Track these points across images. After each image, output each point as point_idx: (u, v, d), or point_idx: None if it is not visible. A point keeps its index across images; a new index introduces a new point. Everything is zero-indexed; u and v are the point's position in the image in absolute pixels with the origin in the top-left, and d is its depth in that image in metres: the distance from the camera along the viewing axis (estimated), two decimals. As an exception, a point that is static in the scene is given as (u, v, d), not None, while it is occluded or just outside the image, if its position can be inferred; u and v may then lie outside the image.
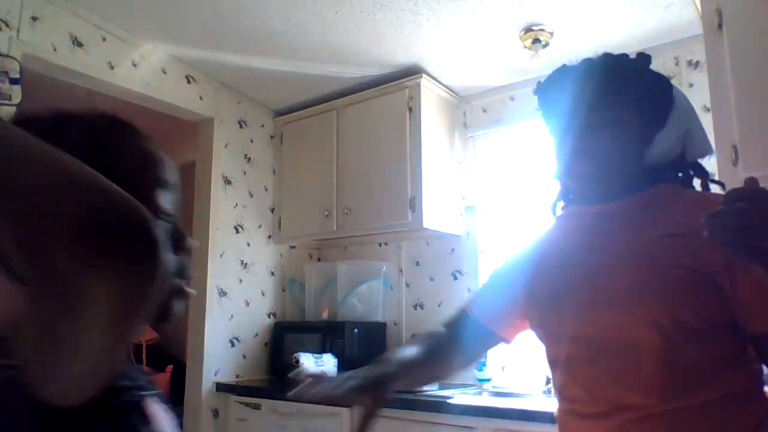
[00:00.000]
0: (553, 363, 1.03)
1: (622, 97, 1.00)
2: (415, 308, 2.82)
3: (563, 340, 0.99)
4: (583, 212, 1.07)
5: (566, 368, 0.99)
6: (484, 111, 2.84)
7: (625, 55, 1.05)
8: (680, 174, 1.06)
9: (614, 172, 1.00)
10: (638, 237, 0.96)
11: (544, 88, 1.11)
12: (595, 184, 1.02)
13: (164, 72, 2.62)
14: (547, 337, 1.04)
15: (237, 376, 2.80)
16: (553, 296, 1.01)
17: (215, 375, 2.71)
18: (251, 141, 3.05)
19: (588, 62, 1.06)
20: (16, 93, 2.01)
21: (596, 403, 0.93)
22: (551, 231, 1.15)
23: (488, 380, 2.44)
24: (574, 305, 0.97)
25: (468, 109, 2.88)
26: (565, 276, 1.01)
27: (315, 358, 2.52)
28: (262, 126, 3.13)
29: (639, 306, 0.89)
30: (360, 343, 2.67)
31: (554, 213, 1.16)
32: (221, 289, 2.79)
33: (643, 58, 1.04)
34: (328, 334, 2.70)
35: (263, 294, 3.01)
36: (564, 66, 1.09)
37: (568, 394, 0.99)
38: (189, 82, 2.73)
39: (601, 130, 0.99)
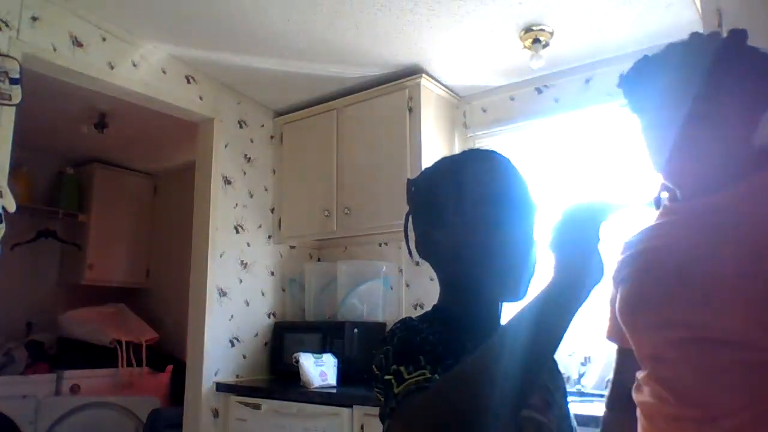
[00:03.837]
0: (651, 360, 0.98)
1: (723, 83, 0.90)
2: (415, 308, 2.82)
3: (660, 340, 0.94)
4: (677, 209, 1.01)
5: (662, 366, 0.94)
6: (484, 111, 2.84)
7: (718, 35, 0.96)
8: None
9: (715, 168, 0.92)
10: (738, 232, 0.88)
11: (631, 77, 1.03)
12: (692, 183, 0.96)
13: (164, 72, 2.62)
14: (642, 334, 0.99)
15: (237, 376, 2.80)
16: (654, 295, 0.96)
17: (215, 375, 2.71)
18: (251, 141, 3.05)
19: (676, 46, 0.97)
20: (16, 93, 2.01)
21: (698, 407, 0.88)
22: (648, 230, 1.07)
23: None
24: (676, 302, 0.91)
25: (468, 109, 2.88)
26: (666, 275, 0.94)
27: (315, 358, 2.52)
28: (262, 126, 3.13)
29: (743, 305, 0.84)
30: (360, 343, 2.67)
31: (657, 206, 1.09)
32: (221, 289, 2.79)
33: (739, 33, 0.94)
34: (328, 334, 2.70)
35: (263, 294, 3.01)
36: (655, 54, 1.00)
37: (661, 395, 0.94)
38: (189, 82, 2.73)
39: (700, 123, 0.90)
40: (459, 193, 0.82)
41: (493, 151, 0.87)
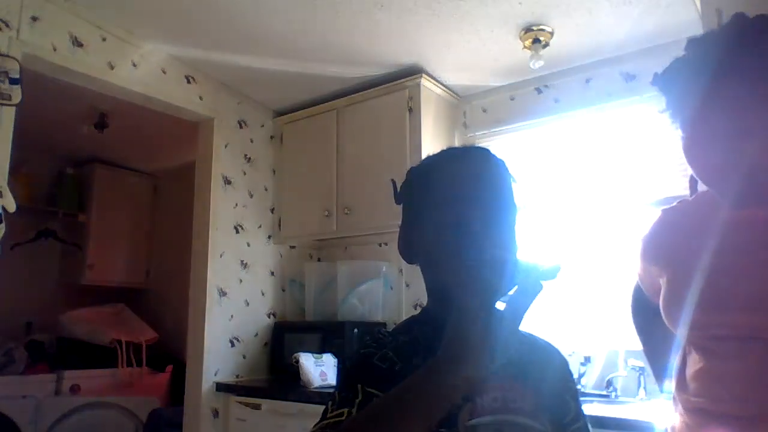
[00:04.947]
0: (703, 351, 0.96)
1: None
2: (415, 308, 2.82)
3: (713, 337, 0.93)
4: (725, 208, 0.96)
5: (712, 365, 0.92)
6: (484, 111, 2.84)
7: (765, 25, 0.85)
8: None
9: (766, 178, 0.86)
10: None
11: (667, 78, 0.96)
12: (743, 193, 0.90)
13: (164, 72, 2.62)
14: (691, 329, 0.97)
15: (237, 376, 2.80)
16: (707, 291, 0.93)
17: (215, 375, 2.71)
18: (251, 141, 3.05)
19: (720, 38, 0.87)
20: (16, 93, 2.01)
21: (748, 405, 0.87)
22: (685, 215, 1.05)
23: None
24: (732, 303, 0.90)
25: (468, 109, 2.88)
26: (716, 271, 0.93)
27: (315, 358, 2.52)
28: (262, 126, 3.13)
29: None
30: (360, 343, 2.67)
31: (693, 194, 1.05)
32: (221, 289, 2.79)
33: None
34: (328, 334, 2.70)
35: (263, 294, 3.01)
36: (691, 44, 0.91)
37: (710, 392, 0.93)
38: (189, 82, 2.73)
39: (749, 136, 0.84)
40: (426, 194, 0.80)
41: (470, 149, 0.84)
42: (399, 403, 0.60)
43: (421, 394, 0.60)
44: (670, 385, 1.07)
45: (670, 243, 1.06)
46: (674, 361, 1.06)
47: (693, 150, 0.94)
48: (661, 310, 1.04)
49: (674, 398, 1.05)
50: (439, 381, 0.60)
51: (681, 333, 1.01)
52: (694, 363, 0.98)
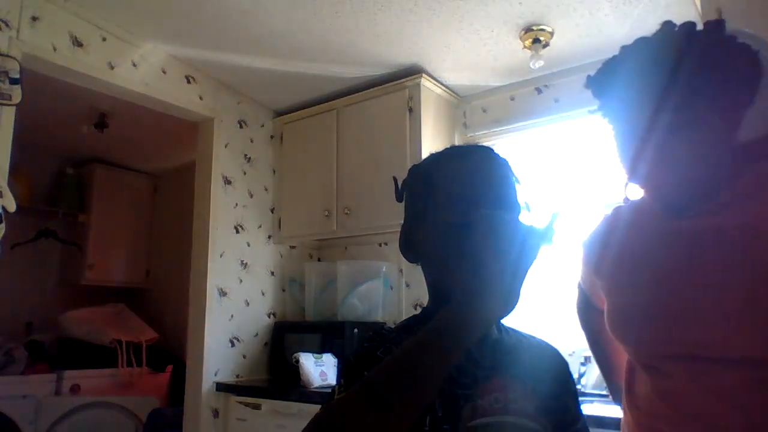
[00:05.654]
0: (650, 370, 0.94)
1: (698, 86, 0.83)
2: (415, 308, 2.82)
3: (658, 355, 0.91)
4: (665, 218, 0.94)
5: (664, 381, 0.91)
6: (484, 111, 2.84)
7: (692, 30, 0.87)
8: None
9: (700, 178, 0.86)
10: (741, 240, 0.82)
11: (599, 79, 0.96)
12: (676, 196, 0.90)
13: (164, 72, 2.62)
14: (636, 347, 0.97)
15: (237, 376, 2.80)
16: (645, 307, 0.92)
17: (215, 375, 2.71)
18: (251, 141, 3.05)
19: (650, 43, 0.89)
20: (16, 93, 2.01)
21: (691, 424, 0.85)
22: (623, 227, 1.03)
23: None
24: (673, 320, 0.88)
25: (468, 109, 2.88)
26: (658, 287, 0.91)
27: (315, 358, 2.52)
28: (262, 126, 3.13)
29: (749, 324, 0.80)
30: (360, 343, 2.67)
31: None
32: (221, 289, 2.79)
33: (716, 25, 0.85)
34: (328, 334, 2.70)
35: (263, 294, 3.01)
36: (624, 53, 0.93)
37: (657, 410, 0.91)
38: (189, 82, 2.73)
39: (678, 135, 0.84)
40: (430, 192, 0.80)
41: (474, 148, 0.84)
42: (421, 346, 0.61)
43: (443, 334, 0.60)
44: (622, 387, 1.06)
45: (610, 255, 1.04)
46: (623, 367, 1.06)
47: (625, 154, 0.94)
48: (607, 326, 1.02)
49: (624, 405, 1.04)
50: (461, 319, 0.60)
51: (626, 349, 1.00)
52: (641, 379, 0.97)
